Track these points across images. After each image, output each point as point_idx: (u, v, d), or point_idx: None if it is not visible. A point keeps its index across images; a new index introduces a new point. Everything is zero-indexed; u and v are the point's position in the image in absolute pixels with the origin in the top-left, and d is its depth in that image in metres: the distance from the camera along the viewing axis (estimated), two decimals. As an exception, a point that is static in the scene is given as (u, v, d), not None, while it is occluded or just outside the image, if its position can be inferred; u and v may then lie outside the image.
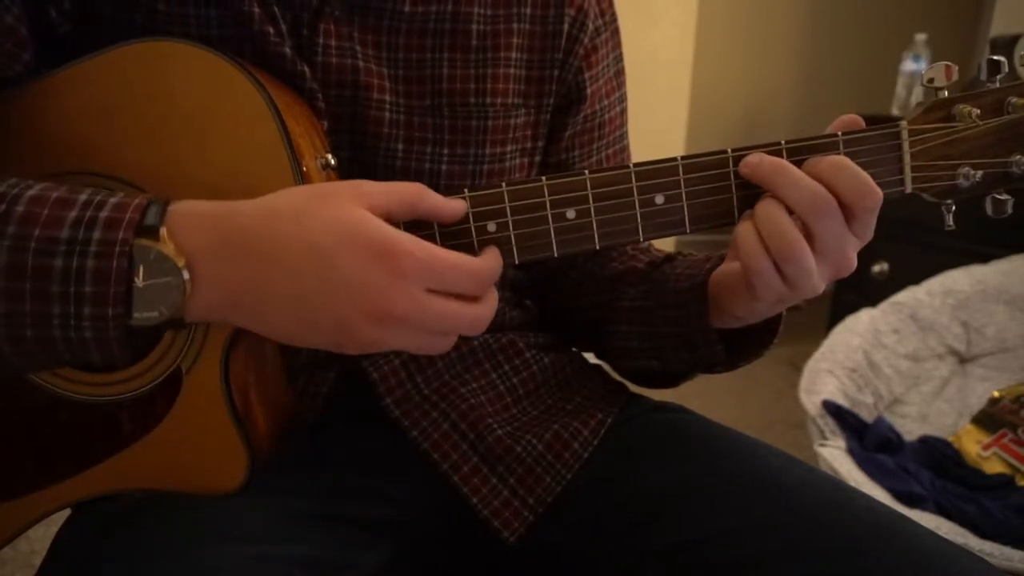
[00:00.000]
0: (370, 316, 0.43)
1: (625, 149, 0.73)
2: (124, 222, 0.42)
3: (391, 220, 0.45)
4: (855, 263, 0.50)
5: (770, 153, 0.50)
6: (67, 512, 0.57)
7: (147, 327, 0.43)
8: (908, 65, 2.27)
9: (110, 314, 0.41)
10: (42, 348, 0.43)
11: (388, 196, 0.45)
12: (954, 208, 0.53)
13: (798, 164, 0.50)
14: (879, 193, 0.48)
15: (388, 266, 0.42)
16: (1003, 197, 0.52)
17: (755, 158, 0.50)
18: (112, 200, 0.43)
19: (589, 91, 0.67)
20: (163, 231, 0.42)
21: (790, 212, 0.49)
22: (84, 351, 0.43)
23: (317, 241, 0.42)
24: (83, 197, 0.43)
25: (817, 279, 0.49)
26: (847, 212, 0.49)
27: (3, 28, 0.50)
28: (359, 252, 0.42)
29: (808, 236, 0.49)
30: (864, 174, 0.48)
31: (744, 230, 0.50)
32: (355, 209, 0.43)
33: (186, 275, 0.42)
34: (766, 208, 0.49)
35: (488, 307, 0.47)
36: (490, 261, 0.48)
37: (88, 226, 0.41)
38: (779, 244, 0.48)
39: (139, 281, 0.42)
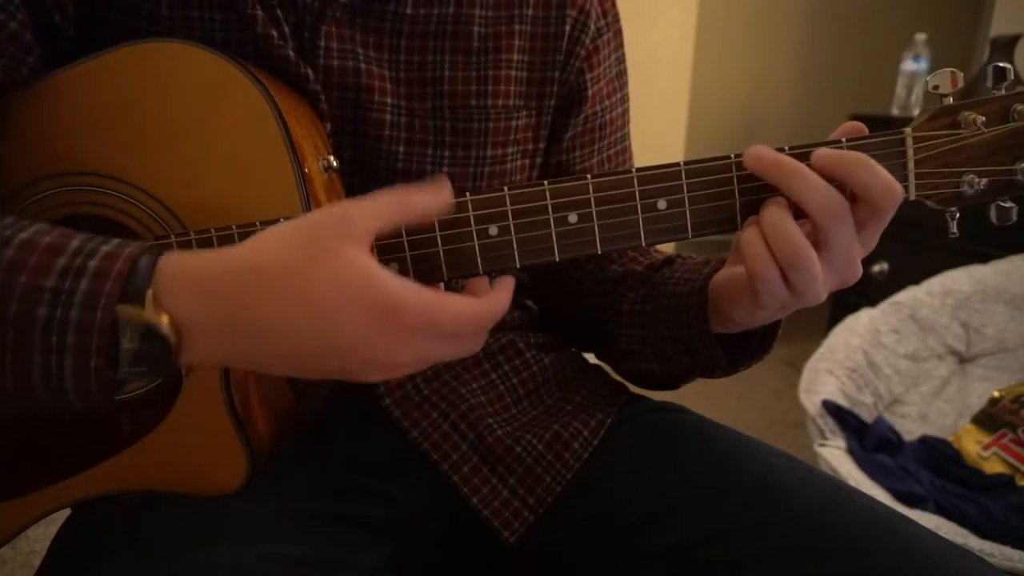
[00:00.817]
0: (374, 366, 0.43)
1: (627, 150, 0.73)
2: (113, 273, 0.40)
3: (385, 235, 0.45)
4: (860, 271, 0.50)
5: None
6: (67, 512, 0.57)
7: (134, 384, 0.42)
8: (908, 65, 2.26)
9: (92, 365, 0.40)
10: (21, 395, 0.42)
11: (377, 219, 0.44)
12: (958, 215, 0.52)
13: None
14: (900, 191, 0.48)
15: (391, 325, 0.41)
16: (1007, 204, 0.52)
17: (763, 150, 0.49)
18: (104, 248, 0.41)
19: (590, 92, 0.67)
20: (149, 295, 0.40)
21: (796, 217, 0.49)
22: (64, 401, 0.42)
23: (318, 303, 0.41)
24: (75, 244, 0.41)
25: (822, 287, 0.49)
26: (865, 211, 0.48)
27: (8, 34, 0.51)
28: (363, 313, 0.41)
29: (818, 242, 0.48)
30: (885, 171, 0.47)
31: (750, 237, 0.49)
32: (351, 257, 0.41)
33: (174, 341, 0.41)
34: (772, 214, 0.49)
35: (482, 340, 0.47)
36: (495, 303, 0.46)
37: (76, 275, 0.40)
38: (786, 250, 0.48)
39: (125, 342, 0.40)
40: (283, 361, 0.43)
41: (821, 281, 0.49)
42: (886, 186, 0.47)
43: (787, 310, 0.52)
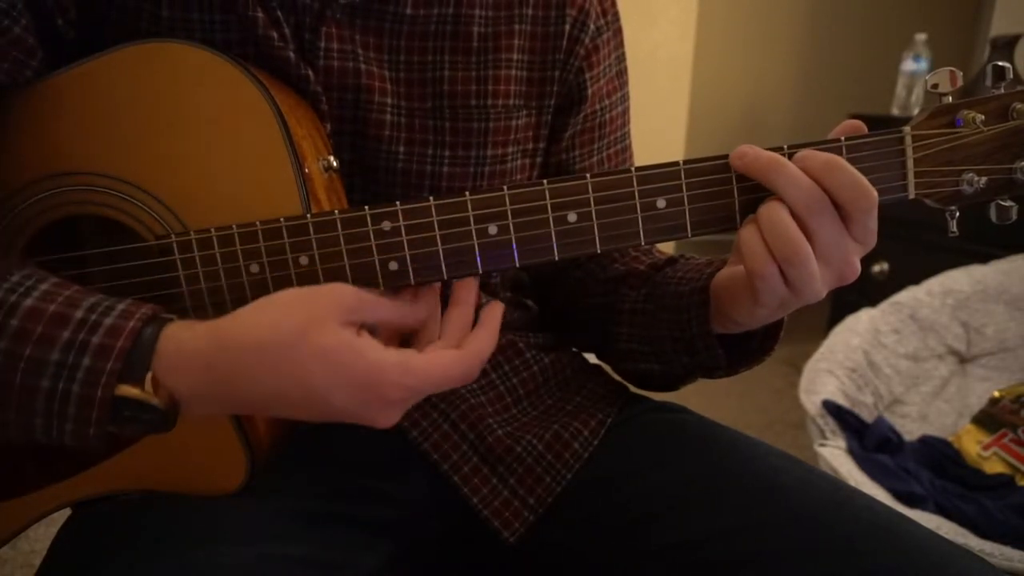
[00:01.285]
0: (366, 423, 0.47)
1: (627, 149, 0.73)
2: (114, 351, 0.42)
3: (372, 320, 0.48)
4: (859, 269, 0.50)
5: None
6: (67, 512, 0.57)
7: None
8: (908, 65, 2.26)
9: (91, 432, 0.43)
10: (22, 439, 0.44)
11: (365, 313, 0.47)
12: (958, 214, 0.52)
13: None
14: (873, 194, 0.48)
15: (378, 398, 0.45)
16: (1007, 203, 0.52)
17: (747, 148, 0.49)
18: (106, 322, 0.43)
19: (590, 91, 0.67)
20: (148, 379, 0.43)
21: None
22: (61, 446, 0.44)
23: (312, 383, 0.44)
24: (79, 315, 0.43)
25: (820, 284, 0.49)
26: (842, 213, 0.48)
27: (12, 38, 0.51)
28: (350, 388, 0.44)
29: (807, 237, 0.48)
30: (858, 173, 0.48)
31: (748, 234, 0.50)
32: (339, 334, 0.44)
33: (171, 415, 0.44)
34: (769, 211, 0.49)
35: (472, 379, 0.50)
36: (479, 350, 0.49)
37: (79, 351, 0.42)
38: (783, 247, 0.48)
39: (125, 412, 0.43)
40: (280, 415, 0.47)
41: (819, 278, 0.49)
42: (856, 192, 0.48)
43: (787, 308, 0.52)
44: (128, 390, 0.42)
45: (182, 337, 0.44)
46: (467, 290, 0.52)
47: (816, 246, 0.48)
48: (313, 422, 0.47)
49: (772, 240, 0.48)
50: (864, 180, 0.48)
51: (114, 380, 0.42)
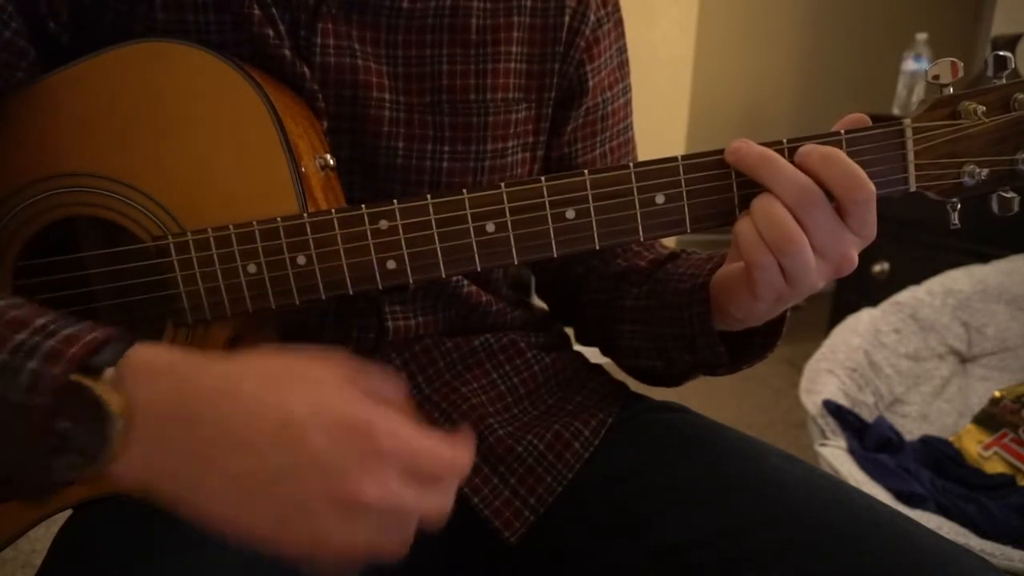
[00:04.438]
0: (336, 500, 0.36)
1: (630, 141, 0.73)
2: (67, 356, 0.36)
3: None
4: (855, 261, 0.49)
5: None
6: (67, 512, 0.57)
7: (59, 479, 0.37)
8: (909, 64, 2.26)
9: (29, 434, 0.36)
10: None
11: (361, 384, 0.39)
12: (959, 206, 0.52)
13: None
14: (870, 186, 0.47)
15: (365, 445, 0.36)
16: (1009, 195, 0.51)
17: (740, 143, 0.49)
18: (68, 330, 0.37)
19: (591, 84, 0.66)
20: (109, 371, 0.36)
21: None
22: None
23: (290, 411, 0.37)
24: (40, 320, 0.38)
25: (815, 275, 0.49)
26: (838, 206, 0.48)
27: (2, 42, 0.51)
28: (335, 428, 0.36)
29: (803, 231, 0.48)
30: (854, 166, 0.47)
31: (743, 226, 0.49)
32: (333, 376, 0.39)
33: (120, 425, 0.36)
34: (762, 202, 0.49)
35: (450, 499, 0.40)
36: (464, 455, 0.40)
37: (27, 354, 0.36)
38: (776, 237, 0.48)
39: (63, 421, 0.36)
40: (231, 483, 0.37)
41: (814, 269, 0.48)
42: (851, 183, 0.47)
43: (784, 303, 0.52)
44: (79, 379, 0.36)
45: (155, 351, 0.39)
46: None
47: (812, 238, 0.48)
48: (263, 501, 0.37)
49: (765, 230, 0.48)
50: (860, 171, 0.48)
51: (73, 368, 0.36)
